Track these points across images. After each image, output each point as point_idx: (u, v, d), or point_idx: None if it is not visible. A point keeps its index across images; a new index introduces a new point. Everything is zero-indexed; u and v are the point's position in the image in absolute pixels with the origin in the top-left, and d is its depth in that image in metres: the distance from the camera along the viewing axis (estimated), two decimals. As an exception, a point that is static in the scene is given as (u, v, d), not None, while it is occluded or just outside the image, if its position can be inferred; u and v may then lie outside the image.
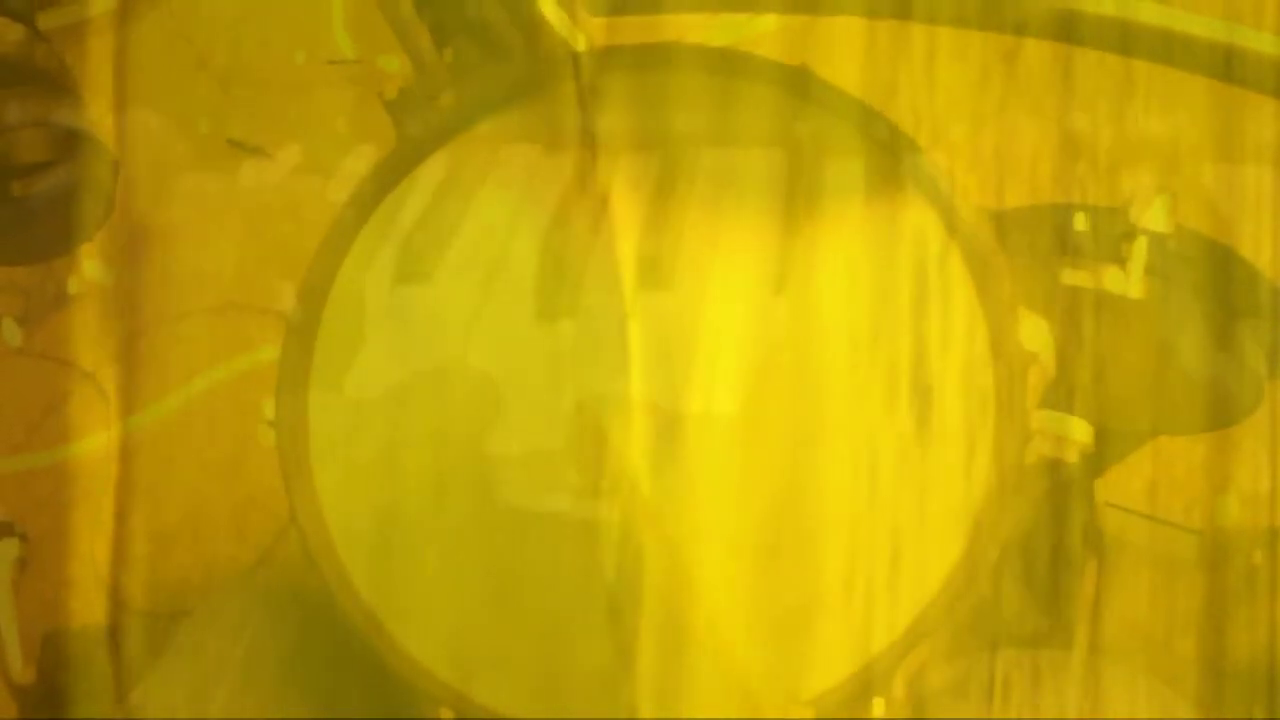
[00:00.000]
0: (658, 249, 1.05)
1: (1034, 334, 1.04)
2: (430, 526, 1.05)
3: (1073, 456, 1.04)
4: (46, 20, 1.12)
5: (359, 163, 1.09)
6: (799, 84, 1.05)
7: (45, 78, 1.11)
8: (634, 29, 1.07)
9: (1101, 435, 1.04)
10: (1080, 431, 1.04)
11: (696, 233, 1.05)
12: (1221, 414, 1.05)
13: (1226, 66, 1.04)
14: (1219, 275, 1.05)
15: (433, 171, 1.07)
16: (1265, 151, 1.04)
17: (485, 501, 1.05)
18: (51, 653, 1.10)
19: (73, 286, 1.12)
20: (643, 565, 1.03)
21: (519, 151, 1.07)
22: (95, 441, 1.11)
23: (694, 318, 1.04)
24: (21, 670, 1.10)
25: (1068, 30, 1.05)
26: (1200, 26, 1.04)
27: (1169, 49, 1.05)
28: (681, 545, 1.03)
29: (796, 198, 1.05)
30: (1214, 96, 1.04)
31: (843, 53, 1.05)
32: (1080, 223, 1.05)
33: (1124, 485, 1.05)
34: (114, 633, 1.10)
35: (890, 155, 1.04)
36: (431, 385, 1.06)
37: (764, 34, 1.07)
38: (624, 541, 1.03)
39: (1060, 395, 1.04)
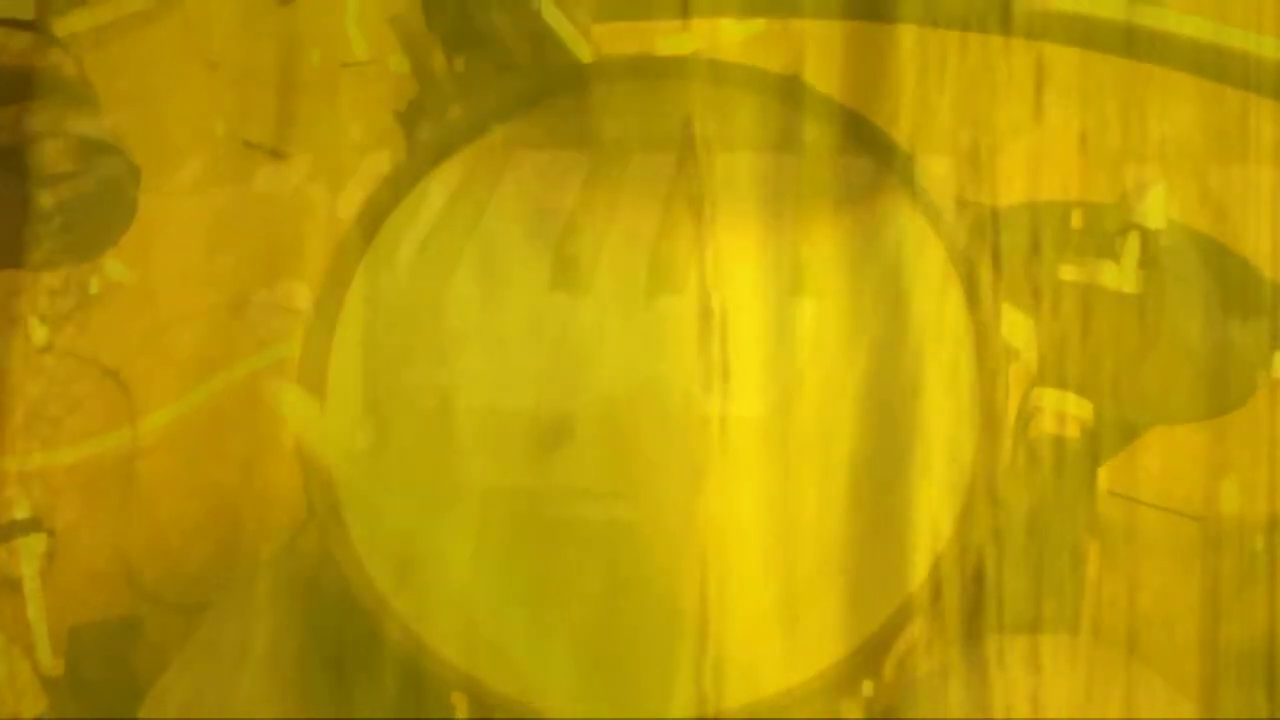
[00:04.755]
0: (670, 255, 1.06)
1: (1017, 331, 1.05)
2: (450, 522, 1.07)
3: (1074, 432, 1.05)
4: (63, 26, 1.13)
5: (374, 166, 1.11)
6: (792, 92, 1.06)
7: (64, 86, 1.12)
8: (636, 36, 1.08)
9: (1102, 425, 1.05)
10: (1079, 407, 1.05)
11: (709, 239, 1.06)
12: (1218, 402, 1.06)
13: (1226, 69, 1.05)
14: (1213, 267, 1.06)
15: (447, 179, 1.09)
16: (1264, 151, 1.05)
17: (510, 503, 1.07)
18: (79, 644, 1.12)
19: (95, 286, 1.13)
20: (663, 564, 1.05)
21: (531, 158, 1.08)
22: (119, 437, 1.13)
23: (711, 322, 1.06)
24: (51, 662, 1.12)
25: (1066, 31, 1.06)
26: (1200, 29, 1.05)
27: (1169, 51, 1.05)
28: (703, 544, 1.05)
29: (800, 203, 1.06)
30: (1214, 98, 1.05)
31: (830, 57, 1.06)
32: (1076, 219, 1.06)
33: (1126, 473, 1.06)
34: (139, 624, 1.11)
35: (880, 159, 1.06)
36: (447, 392, 1.07)
37: (752, 37, 1.08)
38: (646, 542, 1.05)
39: (1059, 387, 1.05)
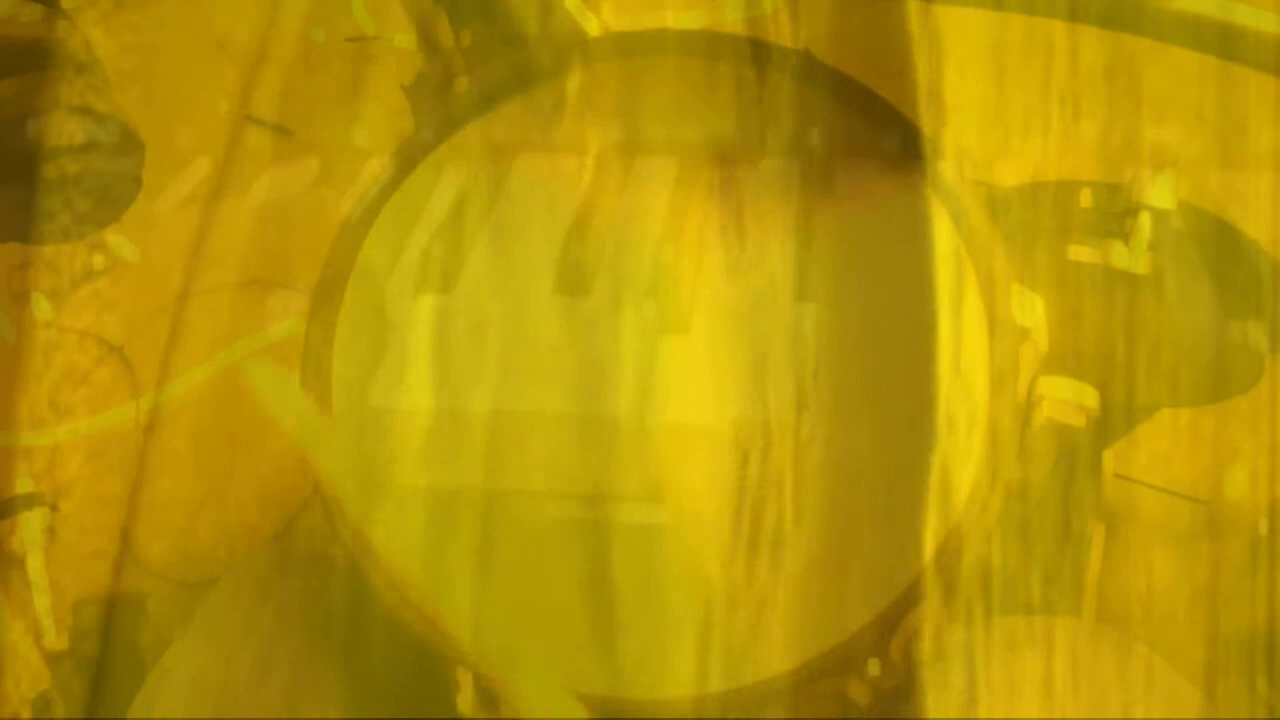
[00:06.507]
0: (675, 257, 1.06)
1: (1028, 311, 1.05)
2: (455, 526, 1.07)
3: (1079, 421, 1.05)
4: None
5: (381, 144, 1.11)
6: (804, 70, 1.06)
7: (71, 60, 1.12)
8: (645, 11, 1.08)
9: (1109, 408, 1.06)
10: (1085, 396, 1.05)
11: (715, 238, 1.07)
12: (1225, 386, 1.06)
13: (1232, 45, 1.05)
14: (1221, 249, 1.06)
15: (450, 179, 1.09)
16: (1264, 134, 1.05)
17: (506, 504, 1.07)
18: (81, 620, 1.12)
19: (100, 262, 1.13)
20: (684, 560, 1.05)
21: (535, 159, 1.08)
22: (123, 413, 1.13)
23: (718, 327, 1.06)
24: (54, 638, 1.12)
25: (1076, 6, 1.06)
26: (1208, 6, 1.05)
27: (1180, 30, 1.05)
28: (693, 539, 1.05)
29: (810, 182, 1.06)
30: (1222, 76, 1.05)
31: (840, 33, 1.07)
32: (1086, 199, 1.06)
33: (1132, 456, 1.06)
34: (143, 600, 1.12)
35: (891, 138, 1.06)
36: (452, 396, 1.08)
37: (760, 13, 1.08)
38: (640, 544, 1.06)
39: (1066, 369, 1.05)
